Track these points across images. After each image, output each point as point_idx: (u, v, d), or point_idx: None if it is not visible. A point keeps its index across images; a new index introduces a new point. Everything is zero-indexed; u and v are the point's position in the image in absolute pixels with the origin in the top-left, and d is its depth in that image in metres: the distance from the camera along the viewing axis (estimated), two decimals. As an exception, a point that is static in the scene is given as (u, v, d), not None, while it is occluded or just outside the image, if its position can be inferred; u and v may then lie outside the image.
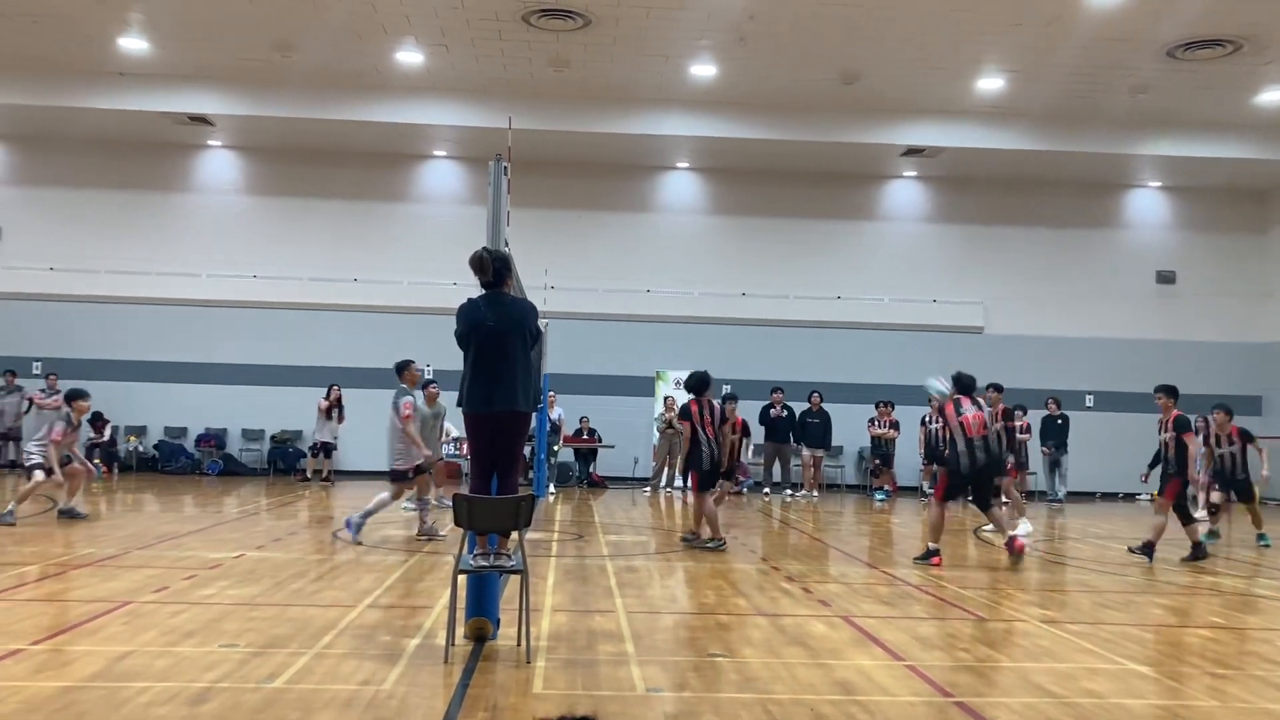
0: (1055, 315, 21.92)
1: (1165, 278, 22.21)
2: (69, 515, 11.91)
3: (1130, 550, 11.47)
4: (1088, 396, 21.07)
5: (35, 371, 20.15)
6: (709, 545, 11.01)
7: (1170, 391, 11.51)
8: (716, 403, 11.57)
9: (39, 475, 11.71)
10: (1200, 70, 16.73)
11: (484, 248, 6.48)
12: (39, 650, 5.76)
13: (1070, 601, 8.61)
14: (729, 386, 20.31)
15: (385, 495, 10.97)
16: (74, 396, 12.33)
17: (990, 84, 17.88)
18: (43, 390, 19.36)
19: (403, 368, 11.33)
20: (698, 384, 11.30)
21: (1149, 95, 18.02)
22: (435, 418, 13.82)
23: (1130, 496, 20.65)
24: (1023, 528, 12.70)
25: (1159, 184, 22.22)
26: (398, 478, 11.11)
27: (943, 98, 18.65)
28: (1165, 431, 11.42)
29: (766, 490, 19.41)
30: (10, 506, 11.58)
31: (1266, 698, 5.45)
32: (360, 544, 10.52)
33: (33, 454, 11.88)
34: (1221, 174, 21.08)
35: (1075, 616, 7.83)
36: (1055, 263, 22.03)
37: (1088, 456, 20.26)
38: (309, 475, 19.23)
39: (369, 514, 10.87)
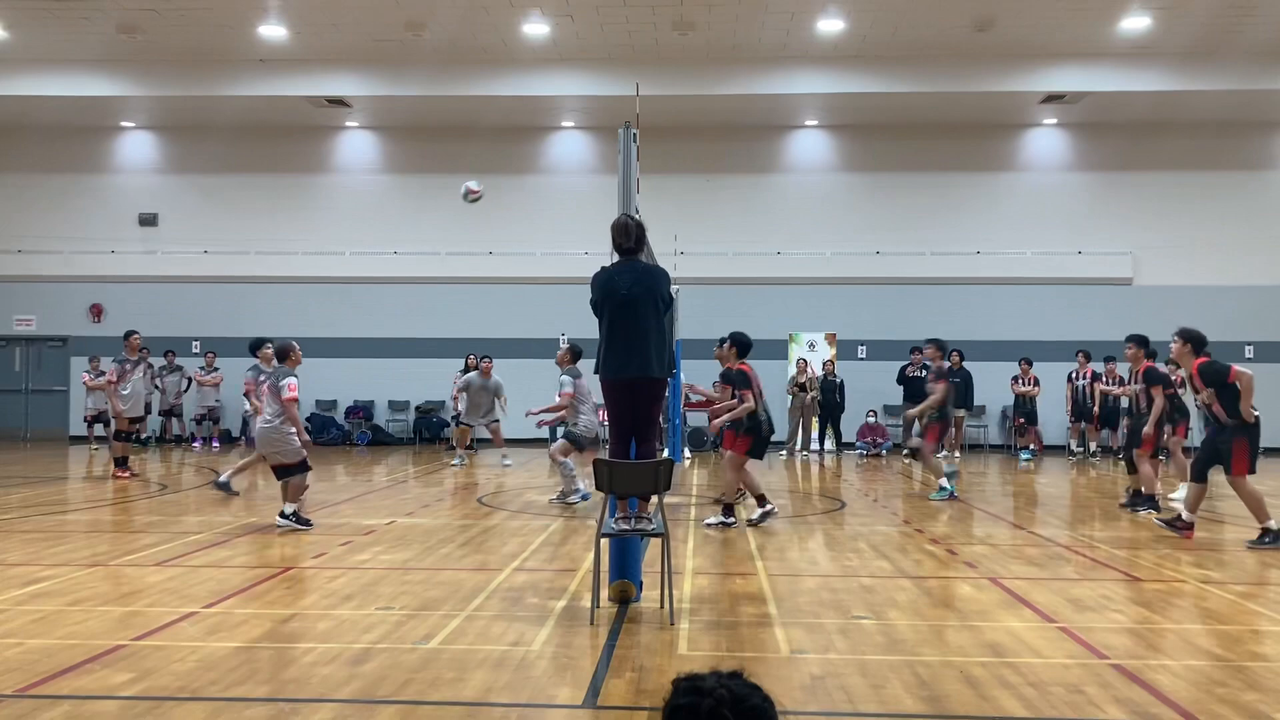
0: (1208, 263, 20.83)
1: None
2: (222, 488, 11.71)
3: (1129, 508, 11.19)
4: (1247, 348, 20.01)
5: (194, 350, 21.21)
6: (754, 518, 10.00)
7: (1141, 341, 11.25)
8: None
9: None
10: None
11: (625, 213, 6.53)
12: (211, 613, 6.11)
13: (1233, 561, 8.23)
14: (864, 348, 20.09)
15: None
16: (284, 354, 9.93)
17: (1135, 23, 17.01)
18: (201, 368, 20.38)
19: (285, 352, 9.85)
20: (748, 347, 10.49)
21: (1309, 24, 16.88)
22: (485, 389, 15.40)
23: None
24: (1178, 493, 12.20)
25: (1321, 118, 20.81)
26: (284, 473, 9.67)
27: (1082, 40, 17.84)
28: (1135, 383, 11.21)
29: (906, 452, 19.09)
30: (224, 476, 11.81)
31: None
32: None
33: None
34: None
35: (1239, 577, 7.50)
36: (1206, 208, 20.91)
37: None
38: (456, 446, 19.72)
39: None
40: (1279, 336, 20.26)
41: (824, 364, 19.66)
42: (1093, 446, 19.25)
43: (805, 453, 19.29)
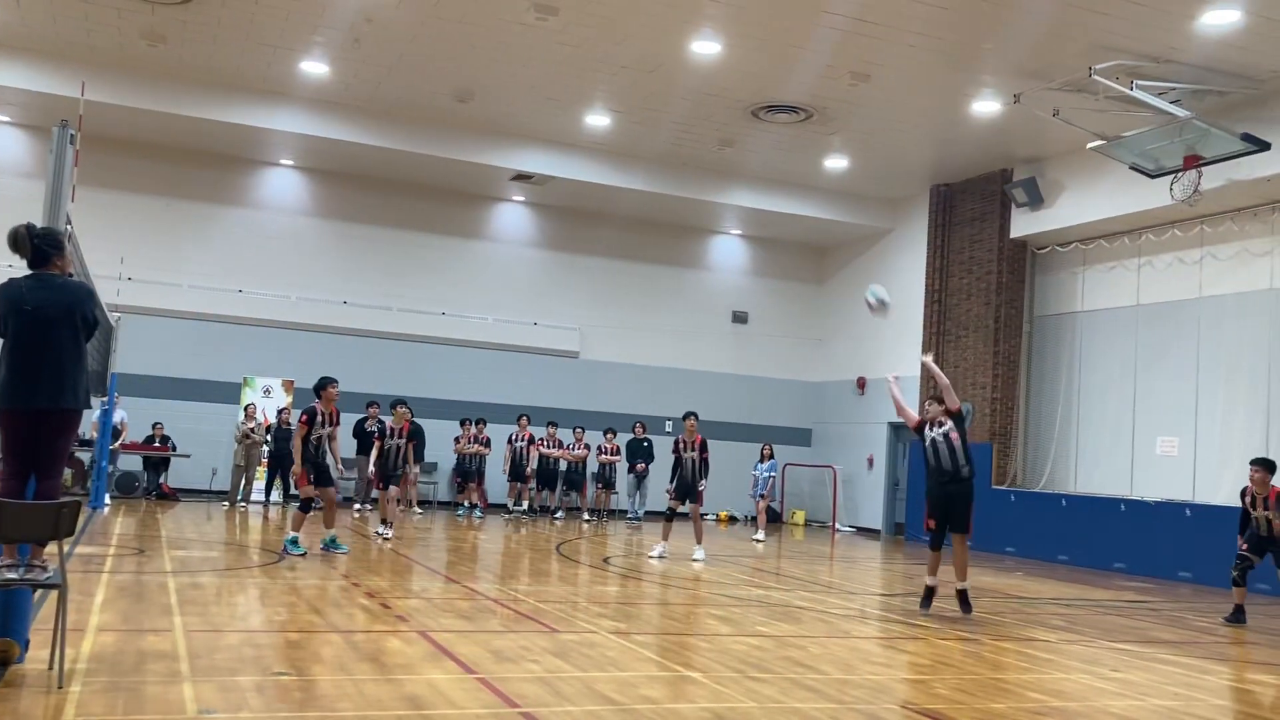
0: (645, 345, 23.24)
1: (740, 318, 24.28)
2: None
3: None
4: (668, 423, 22.48)
5: None
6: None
7: (695, 416, 13.72)
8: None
9: None
10: (777, 131, 18.51)
11: (26, 224, 5.77)
12: None
13: (638, 614, 9.08)
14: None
15: None
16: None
17: (598, 120, 18.70)
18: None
19: None
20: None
21: (735, 149, 19.68)
22: None
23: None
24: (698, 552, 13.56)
25: (739, 232, 24.27)
26: None
27: (554, 128, 19.23)
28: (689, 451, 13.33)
29: (358, 506, 18.93)
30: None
31: (795, 697, 6.04)
32: None
33: None
34: (789, 227, 23.40)
35: (644, 628, 8.27)
36: (650, 296, 23.38)
37: (665, 478, 21.60)
38: None
39: None
40: (702, 416, 22.88)
41: (279, 412, 18.87)
42: (525, 504, 20.45)
43: (245, 504, 18.36)
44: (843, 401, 23.67)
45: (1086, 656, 8.26)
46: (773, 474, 20.12)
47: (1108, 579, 14.10)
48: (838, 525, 22.57)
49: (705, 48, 15.15)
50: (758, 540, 17.74)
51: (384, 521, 14.15)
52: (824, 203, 22.13)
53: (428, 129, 19.27)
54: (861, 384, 23.02)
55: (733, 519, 22.82)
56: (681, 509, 13.82)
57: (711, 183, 21.38)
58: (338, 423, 12.01)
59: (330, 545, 11.68)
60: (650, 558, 13.48)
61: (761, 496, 19.44)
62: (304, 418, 11.71)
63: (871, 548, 19.29)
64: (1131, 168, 16.07)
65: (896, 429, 22.06)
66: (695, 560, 13.29)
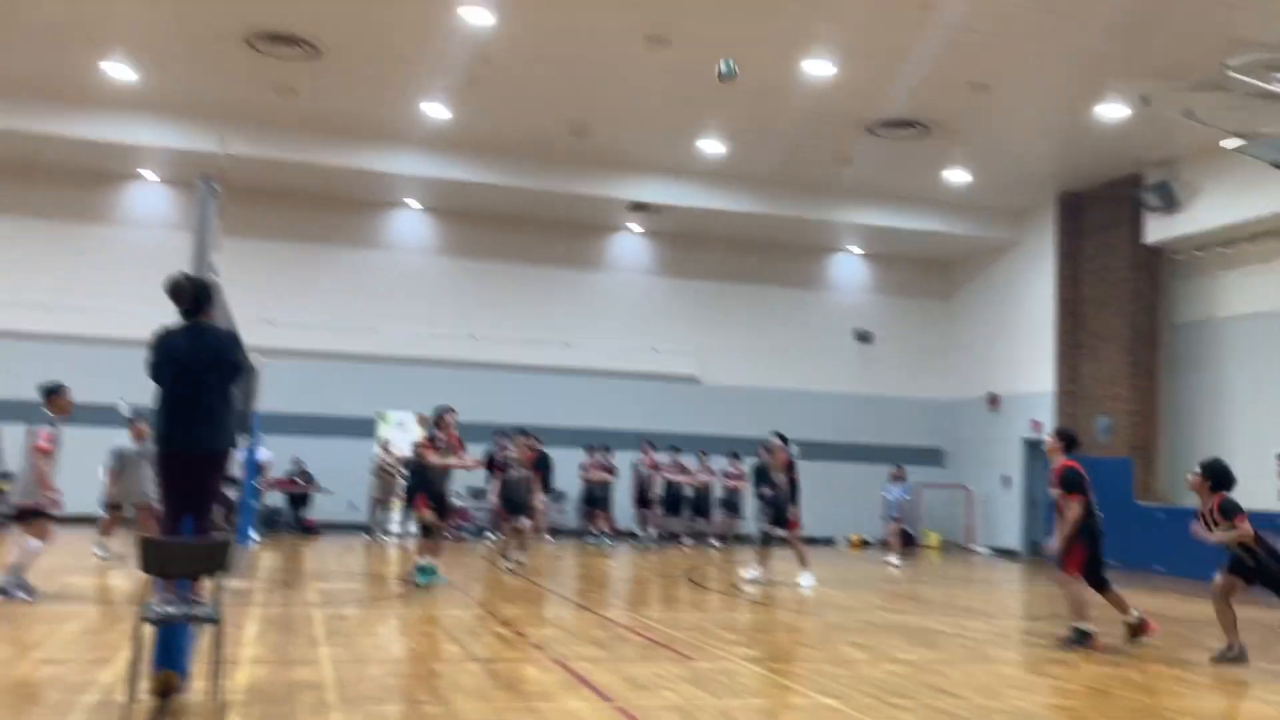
0: (766, 368, 23.12)
1: (864, 337, 23.95)
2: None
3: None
4: (794, 447, 22.23)
5: None
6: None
7: (783, 438, 13.49)
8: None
9: None
10: (895, 147, 18.28)
11: (183, 272, 6.11)
12: None
13: (766, 640, 9.01)
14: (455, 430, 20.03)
15: (30, 541, 9.35)
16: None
17: (711, 147, 18.78)
18: None
19: (51, 391, 9.62)
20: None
21: (852, 168, 19.50)
22: (141, 457, 12.75)
23: (829, 541, 21.93)
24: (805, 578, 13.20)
25: (860, 250, 24.00)
26: (23, 516, 9.42)
27: (668, 156, 19.40)
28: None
29: (491, 536, 19.27)
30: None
31: (938, 724, 5.89)
32: (31, 599, 9.41)
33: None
34: (911, 243, 23.04)
35: (774, 654, 8.20)
36: (767, 319, 23.29)
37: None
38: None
39: (17, 569, 9.31)
40: (821, 437, 22.69)
41: (414, 445, 19.31)
42: (654, 532, 20.47)
43: (385, 535, 18.86)
44: (975, 419, 23.10)
45: (1248, 681, 7.85)
46: (906, 496, 19.72)
47: (1266, 597, 13.31)
48: (974, 547, 21.97)
49: (817, 67, 15.09)
50: (892, 564, 17.40)
51: (511, 553, 14.18)
52: (946, 216, 21.74)
53: (545, 164, 19.65)
54: (993, 400, 22.43)
55: (865, 543, 22.43)
56: (779, 533, 13.54)
57: (829, 201, 21.22)
58: (460, 449, 12.23)
59: (424, 573, 11.76)
60: (745, 581, 13.37)
61: (894, 519, 19.05)
62: (427, 439, 12.00)
63: (1011, 569, 18.72)
64: (1273, 165, 15.33)
65: (1033, 446, 21.42)
66: (803, 586, 12.94)
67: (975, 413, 23.09)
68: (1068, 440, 9.42)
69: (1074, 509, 8.87)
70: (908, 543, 21.18)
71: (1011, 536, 21.65)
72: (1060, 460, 9.25)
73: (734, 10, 13.44)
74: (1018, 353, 21.65)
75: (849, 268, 24.26)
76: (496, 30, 14.29)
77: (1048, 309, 20.65)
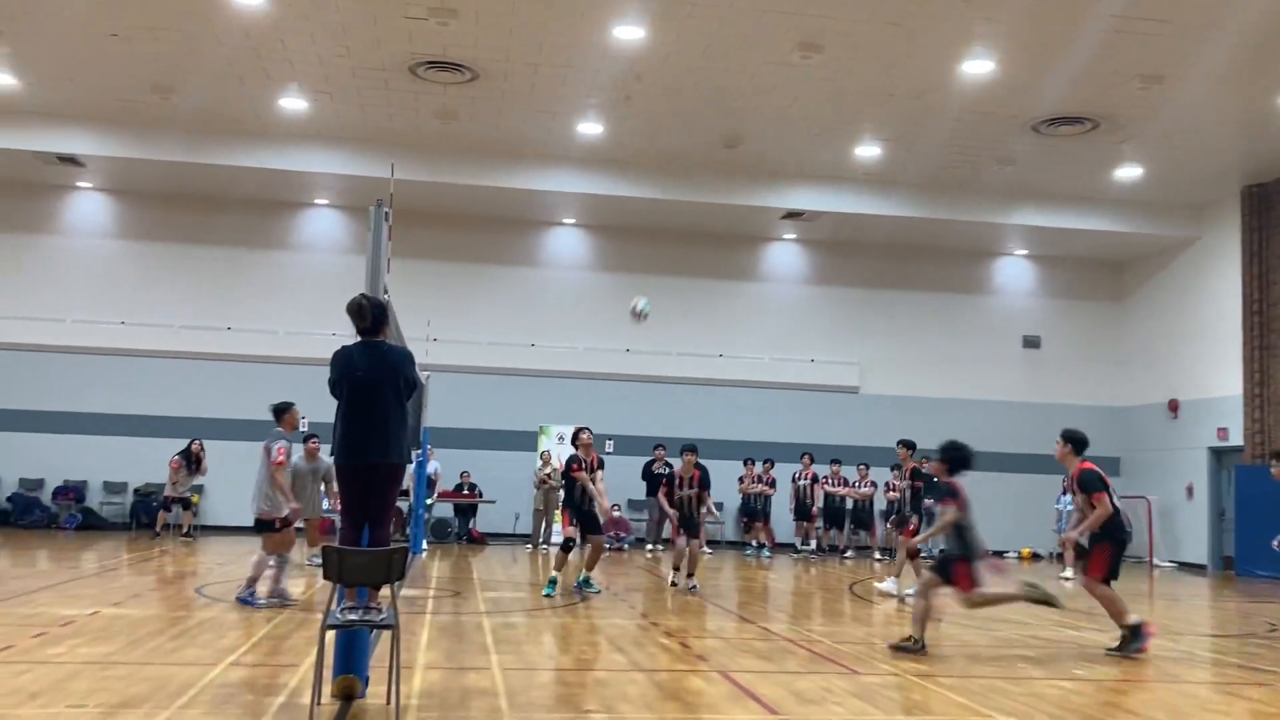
0: (929, 376, 22.58)
1: (1032, 342, 23.12)
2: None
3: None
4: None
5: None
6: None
7: (908, 445, 13.04)
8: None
9: None
10: (1061, 145, 17.62)
11: (362, 294, 6.39)
12: None
13: (943, 655, 8.76)
14: (611, 442, 20.34)
15: (261, 555, 10.13)
16: None
17: (867, 151, 18.50)
18: None
19: (282, 411, 10.45)
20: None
21: (1015, 167, 18.88)
22: (313, 474, 13.40)
23: (1000, 554, 21.21)
24: (888, 584, 13.14)
25: (1025, 252, 23.21)
26: (262, 528, 10.18)
27: (822, 163, 19.21)
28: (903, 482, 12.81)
29: (650, 547, 19.41)
30: None
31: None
32: (280, 603, 9.98)
33: None
34: (1081, 244, 22.14)
35: (948, 670, 7.98)
36: (930, 326, 22.75)
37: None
38: (158, 530, 18.42)
39: (254, 580, 10.04)
40: (988, 447, 21.99)
41: (565, 462, 19.66)
42: (813, 544, 20.20)
43: (546, 545, 19.22)
44: (1153, 426, 22.00)
45: None
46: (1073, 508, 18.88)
47: None
48: (1155, 560, 20.89)
49: (977, 67, 14.70)
50: (1065, 578, 16.69)
51: (687, 572, 13.37)
52: (1118, 215, 20.81)
53: (698, 176, 19.74)
54: (1174, 406, 21.32)
55: (1035, 555, 21.60)
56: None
57: (991, 203, 20.60)
58: (597, 468, 12.34)
59: (583, 585, 12.03)
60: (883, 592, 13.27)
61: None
62: (574, 465, 12.20)
63: (1196, 584, 17.71)
64: None
65: (1218, 454, 20.26)
66: (881, 589, 13.19)
67: (1154, 420, 21.98)
68: (1076, 442, 9.32)
69: (1103, 506, 8.80)
70: (1082, 555, 20.26)
71: (1196, 549, 20.50)
72: (1075, 464, 9.18)
73: (887, 11, 13.24)
74: (1200, 356, 20.52)
75: (1014, 271, 23.49)
76: (648, 46, 14.47)
77: (1233, 308, 19.52)
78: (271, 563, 10.22)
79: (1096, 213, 20.75)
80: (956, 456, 8.87)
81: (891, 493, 20.47)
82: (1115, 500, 8.99)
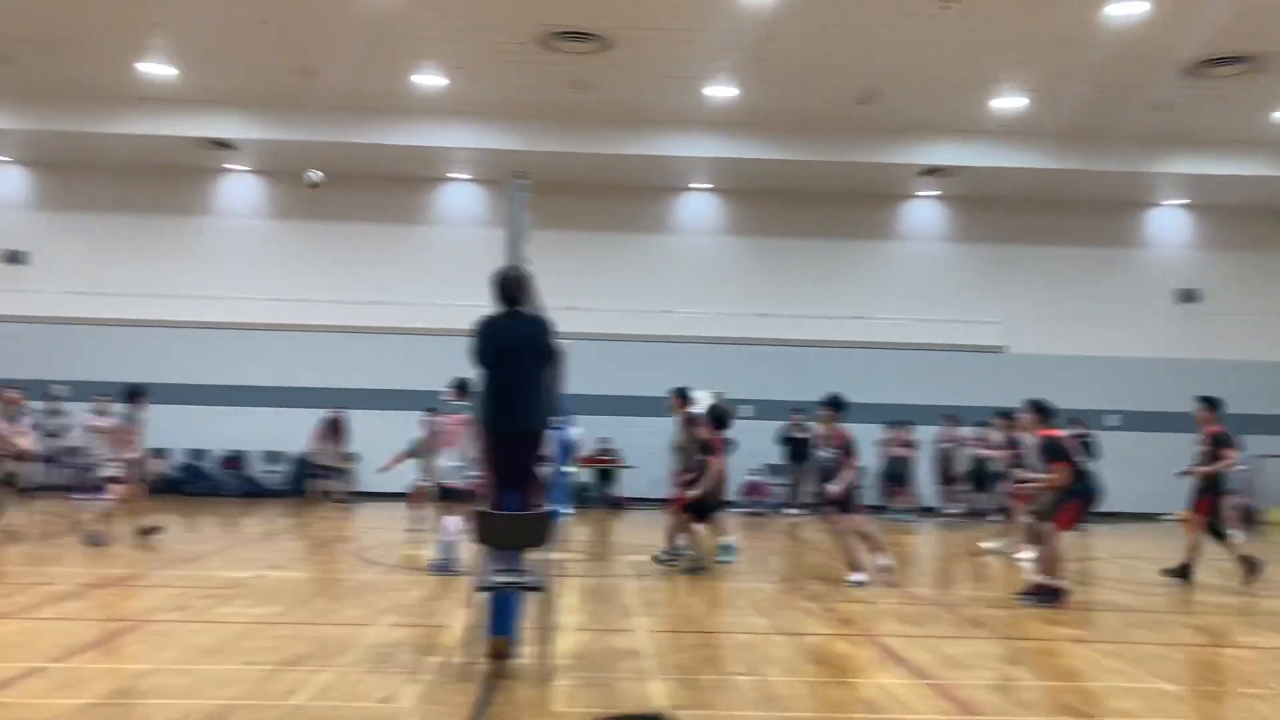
0: (1077, 334, 21.74)
1: (1189, 296, 22.03)
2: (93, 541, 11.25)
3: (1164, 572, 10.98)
4: (1111, 415, 20.87)
5: (61, 395, 20.27)
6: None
7: (1211, 404, 12.05)
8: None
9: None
10: (1219, 87, 16.63)
11: (506, 265, 6.52)
12: (59, 668, 5.77)
13: (1097, 620, 8.50)
14: (750, 408, 20.27)
15: (450, 521, 10.07)
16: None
17: (1008, 103, 17.82)
18: (93, 413, 19.07)
19: (463, 385, 10.37)
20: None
21: (1169, 113, 17.93)
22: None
23: (1153, 516, 20.40)
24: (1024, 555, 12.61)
25: (1180, 202, 22.07)
26: (447, 495, 10.19)
27: (961, 117, 18.59)
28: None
29: (790, 511, 19.33)
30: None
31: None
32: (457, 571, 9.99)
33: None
34: (1242, 191, 20.91)
35: (1101, 635, 7.74)
36: (1077, 282, 21.86)
37: (1111, 476, 20.02)
38: (315, 495, 19.21)
39: (448, 547, 10.06)
40: (1143, 406, 21.16)
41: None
42: (959, 508, 19.75)
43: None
44: (1325, 382, 20.71)
45: None
46: (1244, 468, 17.97)
47: None
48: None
49: (1126, 9, 13.96)
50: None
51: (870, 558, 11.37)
52: (1281, 159, 19.55)
53: (832, 135, 19.34)
54: (1347, 360, 20.02)
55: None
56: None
57: (1142, 152, 19.60)
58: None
59: (724, 551, 11.76)
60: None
61: (1231, 493, 17.38)
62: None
63: (1374, 548, 16.66)
64: None
65: (1397, 410, 18.98)
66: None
67: (1326, 375, 20.69)
68: (1042, 411, 9.54)
69: (1060, 476, 8.97)
70: (1247, 519, 19.31)
71: (1374, 512, 19.28)
72: (1038, 430, 9.46)
73: (1030, -44, 12.68)
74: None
75: (1168, 221, 22.34)
76: (780, 4, 14.22)
77: None
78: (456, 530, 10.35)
79: (1261, 157, 19.50)
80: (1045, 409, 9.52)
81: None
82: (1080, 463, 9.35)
